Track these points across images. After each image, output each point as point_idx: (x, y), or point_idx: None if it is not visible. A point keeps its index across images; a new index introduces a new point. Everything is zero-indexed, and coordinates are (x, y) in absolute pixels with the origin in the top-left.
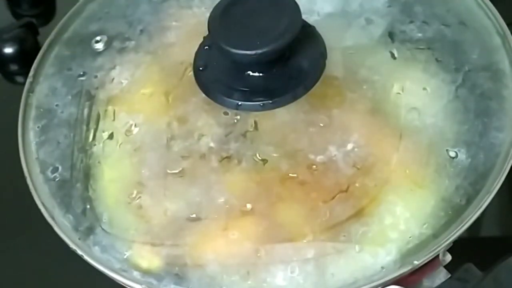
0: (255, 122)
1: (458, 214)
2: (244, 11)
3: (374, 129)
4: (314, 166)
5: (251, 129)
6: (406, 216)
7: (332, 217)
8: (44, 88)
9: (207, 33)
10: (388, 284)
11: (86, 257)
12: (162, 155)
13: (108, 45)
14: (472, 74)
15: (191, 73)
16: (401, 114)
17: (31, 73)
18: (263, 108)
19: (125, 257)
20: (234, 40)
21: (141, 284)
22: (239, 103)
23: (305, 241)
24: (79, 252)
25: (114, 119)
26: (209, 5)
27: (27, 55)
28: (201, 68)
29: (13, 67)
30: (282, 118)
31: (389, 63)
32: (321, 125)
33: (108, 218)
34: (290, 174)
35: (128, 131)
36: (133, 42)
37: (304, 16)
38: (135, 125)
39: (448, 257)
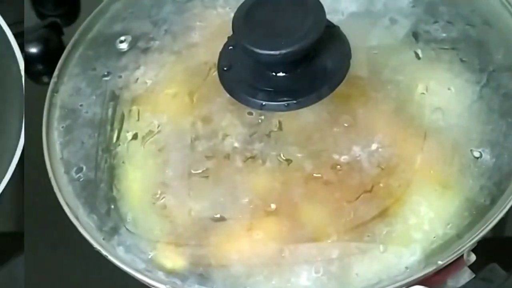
0: (280, 122)
1: (482, 214)
2: (269, 11)
3: (398, 129)
4: (339, 166)
5: (276, 129)
6: (430, 216)
7: (356, 217)
8: (68, 88)
9: (231, 33)
10: (412, 284)
11: (110, 257)
12: (186, 155)
13: (132, 45)
14: (496, 74)
15: (216, 73)
16: (426, 114)
17: (55, 73)
18: (288, 108)
19: (149, 257)
20: (259, 40)
21: (165, 284)
22: (264, 103)
23: (329, 241)
24: (103, 252)
25: (138, 119)
26: (234, 5)
27: (51, 55)
28: (225, 68)
29: (38, 67)
30: (306, 118)
31: (413, 63)
32: (346, 125)
33: (132, 218)
34: (315, 174)
35: (152, 131)
36: (157, 42)
37: (328, 16)
38: (159, 125)
39: (473, 257)
